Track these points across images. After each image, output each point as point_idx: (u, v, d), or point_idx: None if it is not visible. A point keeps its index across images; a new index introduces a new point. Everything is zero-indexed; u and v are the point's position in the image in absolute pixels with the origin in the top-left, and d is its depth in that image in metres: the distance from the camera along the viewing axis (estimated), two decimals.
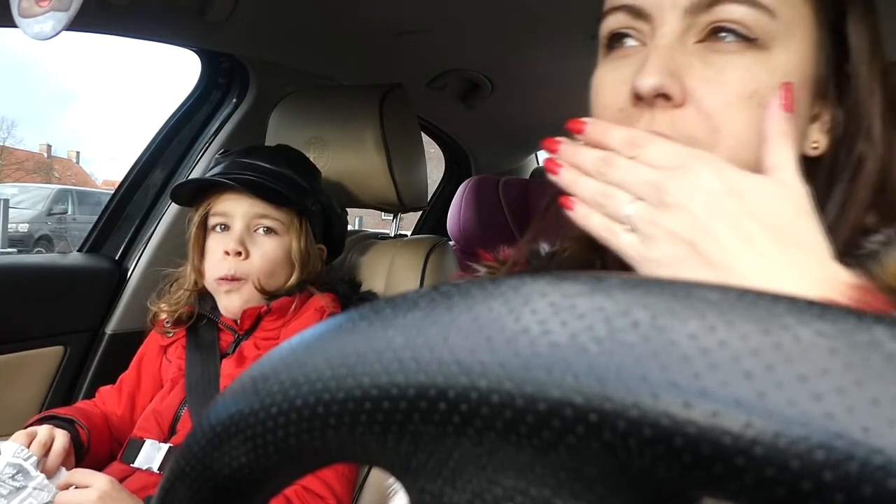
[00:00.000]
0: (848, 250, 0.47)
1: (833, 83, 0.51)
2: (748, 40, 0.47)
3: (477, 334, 0.17)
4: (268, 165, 1.13)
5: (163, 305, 1.17)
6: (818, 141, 0.52)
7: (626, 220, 0.44)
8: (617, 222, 0.45)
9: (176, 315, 1.14)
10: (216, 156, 1.19)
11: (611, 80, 0.52)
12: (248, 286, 1.10)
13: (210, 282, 1.11)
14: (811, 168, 0.51)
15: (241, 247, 1.09)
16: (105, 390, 1.18)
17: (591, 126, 0.47)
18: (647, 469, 0.16)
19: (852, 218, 0.49)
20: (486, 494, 0.19)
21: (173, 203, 1.38)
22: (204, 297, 1.15)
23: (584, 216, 0.47)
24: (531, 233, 0.64)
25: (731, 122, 0.47)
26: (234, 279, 1.09)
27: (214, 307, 1.14)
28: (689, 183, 0.42)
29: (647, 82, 0.47)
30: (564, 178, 0.48)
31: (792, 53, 0.48)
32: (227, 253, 1.09)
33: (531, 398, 0.16)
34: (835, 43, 0.50)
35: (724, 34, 0.47)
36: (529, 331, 0.17)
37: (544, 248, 0.65)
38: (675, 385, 0.15)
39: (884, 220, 0.50)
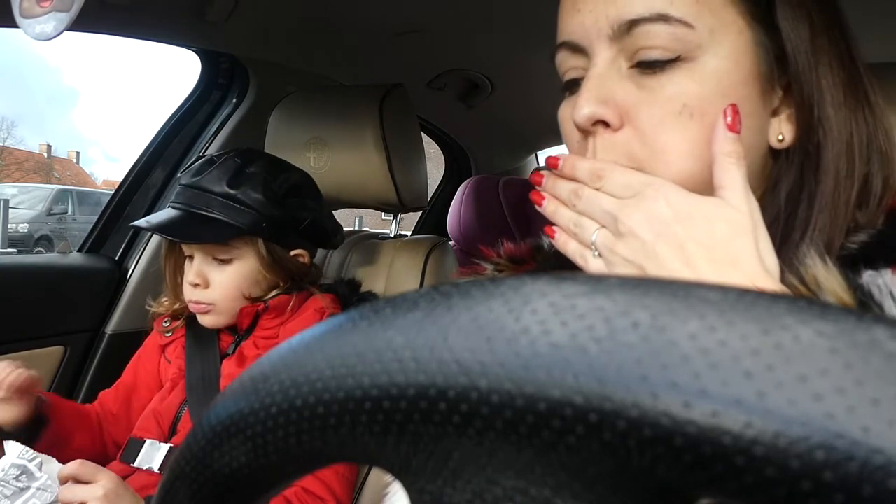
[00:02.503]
0: (832, 250, 0.48)
1: (779, 75, 0.52)
2: (672, 59, 0.49)
3: (477, 334, 0.17)
4: (214, 189, 1.06)
5: (163, 300, 1.17)
6: (783, 133, 0.53)
7: (593, 247, 0.49)
8: (588, 249, 0.49)
9: (174, 311, 1.15)
10: (179, 174, 1.17)
11: (567, 117, 0.55)
12: (216, 311, 1.10)
13: (187, 303, 1.13)
14: (785, 159, 0.53)
15: (200, 278, 1.08)
16: (104, 393, 1.18)
17: (563, 161, 0.51)
18: (647, 469, 0.16)
19: (826, 208, 0.50)
20: (486, 494, 0.18)
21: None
22: None
23: (564, 243, 0.51)
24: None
25: (666, 136, 0.49)
26: (199, 304, 1.09)
27: None
28: (641, 211, 0.46)
29: (581, 113, 0.50)
30: (547, 208, 0.52)
31: (722, 58, 0.49)
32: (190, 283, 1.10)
33: (531, 398, 0.16)
34: (773, 36, 0.51)
35: (649, 64, 0.50)
36: (529, 331, 0.17)
37: (548, 243, 0.65)
38: (675, 385, 0.15)
39: (871, 219, 0.51)
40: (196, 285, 1.08)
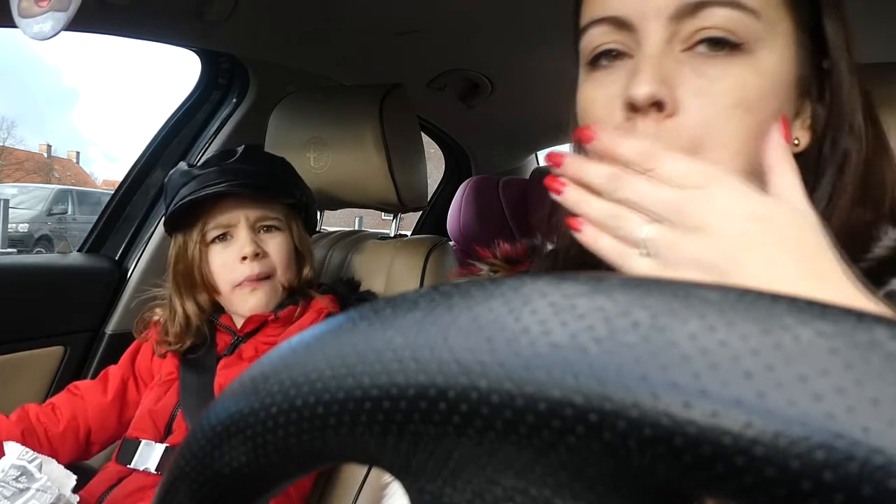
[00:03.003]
0: (853, 254, 0.45)
1: (814, 80, 0.51)
2: (734, 46, 0.46)
3: (477, 334, 0.17)
4: (248, 167, 1.10)
5: (156, 309, 1.16)
6: (799, 138, 0.51)
7: (642, 244, 0.41)
8: (631, 245, 0.42)
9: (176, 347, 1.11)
10: (181, 171, 1.12)
11: (602, 96, 0.50)
12: (272, 283, 1.10)
13: (228, 289, 1.10)
14: (801, 164, 0.52)
15: (258, 247, 1.09)
16: (84, 385, 1.13)
17: (603, 135, 0.43)
18: (647, 469, 0.16)
19: (842, 212, 0.49)
20: (486, 494, 0.18)
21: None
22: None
23: (594, 239, 0.44)
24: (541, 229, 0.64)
25: (719, 131, 0.46)
26: (258, 278, 1.08)
27: (213, 309, 1.14)
28: (714, 205, 0.40)
29: (642, 90, 0.45)
30: (569, 197, 0.44)
31: (777, 54, 0.47)
32: (244, 258, 1.08)
33: (531, 398, 0.16)
34: (813, 40, 0.50)
35: (709, 46, 0.46)
36: (529, 331, 0.17)
37: (545, 244, 0.65)
38: (675, 385, 0.15)
39: (881, 217, 0.50)
40: (255, 255, 1.08)
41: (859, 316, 0.14)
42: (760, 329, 0.15)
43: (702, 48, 0.47)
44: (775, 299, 0.15)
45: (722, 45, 0.46)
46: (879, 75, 0.65)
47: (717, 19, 0.46)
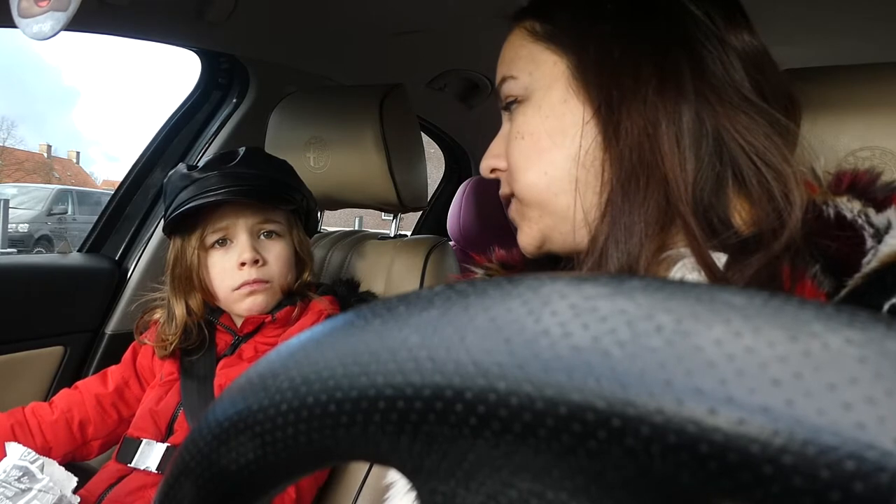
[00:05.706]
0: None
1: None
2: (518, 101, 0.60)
3: (495, 335, 0.17)
4: (249, 171, 1.09)
5: (155, 310, 1.16)
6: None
7: None
8: None
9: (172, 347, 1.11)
10: (180, 174, 1.11)
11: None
12: (270, 287, 1.10)
13: (227, 293, 1.10)
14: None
15: (258, 255, 1.08)
16: (84, 381, 1.14)
17: None
18: (669, 475, 0.15)
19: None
20: (500, 497, 0.18)
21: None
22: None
23: None
24: None
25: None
26: (256, 282, 1.08)
27: (213, 309, 1.14)
28: None
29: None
30: None
31: (543, 89, 0.59)
32: (242, 264, 1.07)
33: (551, 401, 0.16)
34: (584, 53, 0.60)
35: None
36: (550, 333, 0.16)
37: None
38: (701, 391, 0.15)
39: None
40: (255, 262, 1.08)
41: (888, 324, 0.14)
42: (788, 336, 0.14)
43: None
44: (802, 305, 0.15)
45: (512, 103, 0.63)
46: (879, 75, 0.65)
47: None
